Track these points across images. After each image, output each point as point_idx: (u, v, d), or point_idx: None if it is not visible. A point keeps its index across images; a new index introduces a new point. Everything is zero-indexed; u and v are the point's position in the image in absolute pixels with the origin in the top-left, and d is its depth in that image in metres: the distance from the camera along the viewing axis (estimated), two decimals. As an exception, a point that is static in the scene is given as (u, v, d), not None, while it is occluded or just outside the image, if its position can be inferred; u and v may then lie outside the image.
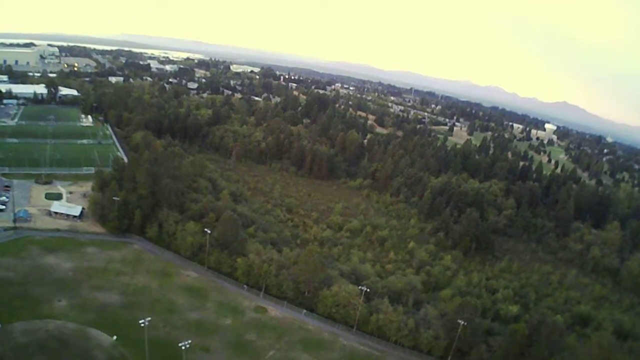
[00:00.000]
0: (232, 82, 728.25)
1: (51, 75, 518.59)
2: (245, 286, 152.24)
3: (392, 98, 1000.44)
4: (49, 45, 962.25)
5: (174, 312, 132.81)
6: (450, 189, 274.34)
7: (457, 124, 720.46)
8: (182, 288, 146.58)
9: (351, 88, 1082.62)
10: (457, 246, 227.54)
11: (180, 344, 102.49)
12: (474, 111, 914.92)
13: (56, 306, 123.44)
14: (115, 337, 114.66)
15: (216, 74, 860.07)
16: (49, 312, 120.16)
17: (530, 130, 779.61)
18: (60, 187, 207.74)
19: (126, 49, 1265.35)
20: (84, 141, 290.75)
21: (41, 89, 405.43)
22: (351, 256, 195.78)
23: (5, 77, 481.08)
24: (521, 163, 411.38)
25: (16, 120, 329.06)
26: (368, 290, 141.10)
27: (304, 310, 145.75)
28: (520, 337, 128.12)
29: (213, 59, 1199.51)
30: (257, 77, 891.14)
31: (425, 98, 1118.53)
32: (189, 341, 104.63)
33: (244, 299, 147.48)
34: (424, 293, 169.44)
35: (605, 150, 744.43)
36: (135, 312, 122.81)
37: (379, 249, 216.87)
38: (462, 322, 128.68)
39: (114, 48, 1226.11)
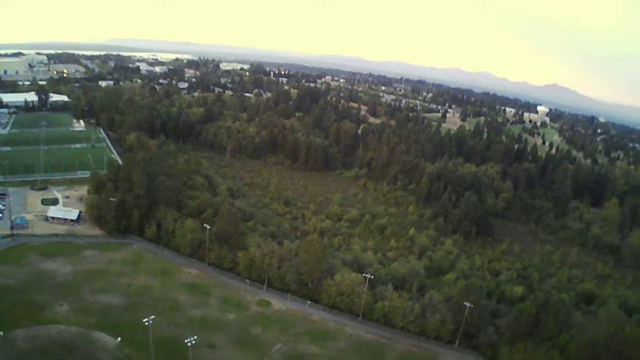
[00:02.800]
0: (222, 80, 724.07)
1: (41, 82, 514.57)
2: (247, 280, 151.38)
3: (383, 88, 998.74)
4: (37, 53, 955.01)
5: (177, 310, 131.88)
6: (447, 173, 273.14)
7: (449, 110, 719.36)
8: (184, 286, 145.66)
9: (342, 80, 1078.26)
10: (457, 230, 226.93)
11: (186, 340, 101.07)
12: (465, 97, 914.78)
13: (58, 311, 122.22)
14: (119, 339, 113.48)
15: (206, 73, 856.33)
16: (50, 317, 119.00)
17: (522, 114, 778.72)
18: (56, 192, 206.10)
19: (114, 53, 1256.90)
20: (77, 145, 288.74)
21: (32, 97, 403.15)
22: (352, 245, 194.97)
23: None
24: (516, 146, 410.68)
25: (8, 128, 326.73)
26: (372, 277, 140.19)
27: (308, 302, 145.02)
28: (527, 317, 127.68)
29: (202, 59, 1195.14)
30: (247, 74, 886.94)
31: (416, 87, 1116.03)
32: (195, 337, 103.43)
33: (247, 294, 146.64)
34: (428, 278, 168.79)
35: (599, 130, 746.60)
36: (138, 313, 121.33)
37: (379, 237, 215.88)
38: (468, 305, 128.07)
39: (102, 53, 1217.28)
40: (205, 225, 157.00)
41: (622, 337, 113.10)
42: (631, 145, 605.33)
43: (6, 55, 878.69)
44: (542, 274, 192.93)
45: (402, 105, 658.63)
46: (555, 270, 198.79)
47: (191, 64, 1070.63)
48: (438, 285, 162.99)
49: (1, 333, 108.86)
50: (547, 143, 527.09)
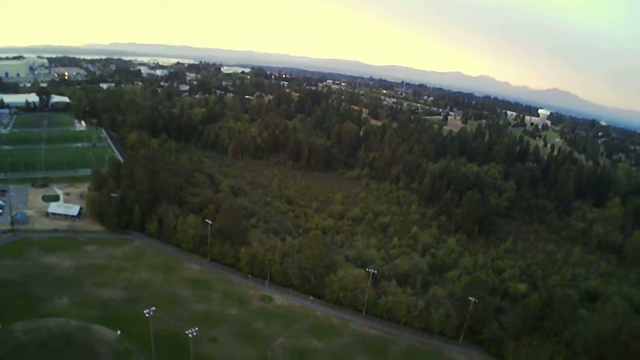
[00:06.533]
0: (223, 83, 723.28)
1: (42, 85, 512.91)
2: (249, 276, 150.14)
3: (384, 91, 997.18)
4: (38, 57, 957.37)
5: (179, 304, 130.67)
6: (450, 173, 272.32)
7: (450, 113, 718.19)
8: (186, 281, 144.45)
9: (343, 84, 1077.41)
10: (460, 229, 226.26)
11: (187, 332, 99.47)
12: (466, 101, 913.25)
13: (58, 304, 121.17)
14: (119, 332, 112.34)
15: (207, 76, 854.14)
16: (50, 310, 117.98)
17: (523, 117, 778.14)
18: (56, 189, 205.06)
19: (115, 57, 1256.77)
20: (79, 144, 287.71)
21: (33, 98, 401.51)
22: (355, 243, 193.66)
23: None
24: (518, 147, 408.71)
25: (9, 128, 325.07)
26: (375, 272, 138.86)
27: (311, 297, 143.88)
28: (532, 312, 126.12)
29: (203, 62, 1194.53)
30: (249, 77, 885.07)
31: (417, 90, 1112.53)
32: (196, 328, 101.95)
33: (249, 289, 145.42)
34: (431, 275, 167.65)
35: (600, 133, 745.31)
36: (139, 307, 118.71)
37: (382, 235, 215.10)
38: (473, 300, 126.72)
39: (104, 57, 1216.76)
40: (207, 221, 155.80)
41: (629, 331, 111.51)
42: (632, 147, 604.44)
43: (7, 58, 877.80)
44: (546, 272, 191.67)
45: (403, 108, 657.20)
46: (558, 269, 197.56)
47: (192, 67, 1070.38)
48: (441, 282, 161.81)
49: (0, 325, 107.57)
50: (548, 145, 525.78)
